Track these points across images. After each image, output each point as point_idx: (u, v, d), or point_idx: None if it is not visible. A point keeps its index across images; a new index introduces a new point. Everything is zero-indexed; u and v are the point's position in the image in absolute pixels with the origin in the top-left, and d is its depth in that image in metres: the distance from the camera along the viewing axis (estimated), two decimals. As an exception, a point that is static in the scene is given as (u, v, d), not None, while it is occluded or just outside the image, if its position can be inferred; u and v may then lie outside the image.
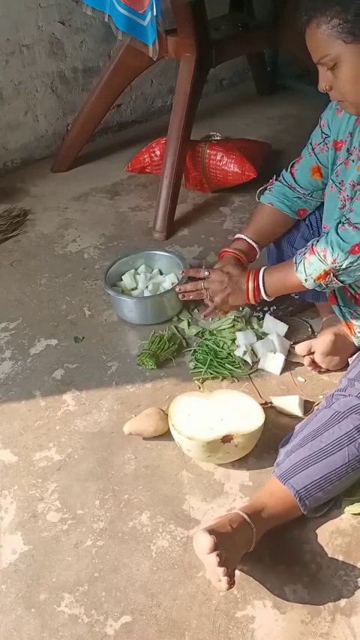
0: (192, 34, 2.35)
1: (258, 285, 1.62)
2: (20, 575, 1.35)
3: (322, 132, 1.61)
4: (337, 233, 1.44)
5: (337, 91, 1.38)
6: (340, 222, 1.46)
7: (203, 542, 1.20)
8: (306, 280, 1.51)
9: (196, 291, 1.76)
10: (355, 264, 1.43)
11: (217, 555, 1.18)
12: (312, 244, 1.50)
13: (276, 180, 1.78)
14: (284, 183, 1.75)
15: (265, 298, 1.64)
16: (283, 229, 1.81)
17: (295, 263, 1.53)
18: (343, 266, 1.44)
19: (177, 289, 1.81)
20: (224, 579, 1.18)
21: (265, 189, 1.80)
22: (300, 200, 1.74)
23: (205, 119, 3.04)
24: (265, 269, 1.64)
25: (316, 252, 1.47)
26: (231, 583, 1.20)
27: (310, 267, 1.49)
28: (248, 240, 1.78)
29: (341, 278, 1.48)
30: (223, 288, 1.68)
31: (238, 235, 1.81)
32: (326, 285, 1.50)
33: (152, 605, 1.27)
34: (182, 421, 1.51)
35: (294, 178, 1.73)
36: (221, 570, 1.18)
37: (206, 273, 1.73)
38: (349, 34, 1.28)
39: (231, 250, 1.77)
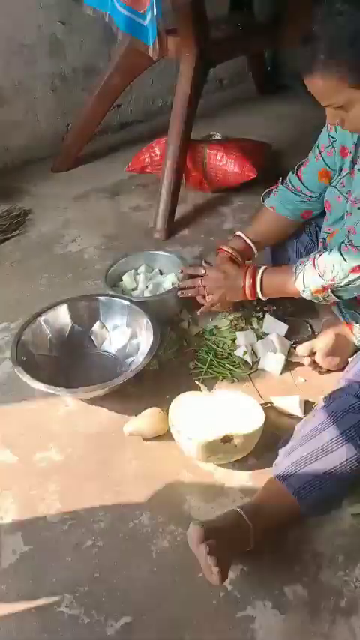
0: (192, 34, 2.35)
1: (255, 282, 1.64)
2: (20, 575, 1.34)
3: (330, 135, 1.61)
4: (340, 252, 1.46)
5: (350, 125, 1.39)
6: (343, 242, 1.48)
7: (193, 533, 1.21)
8: (304, 291, 1.54)
9: (194, 287, 1.77)
10: (354, 283, 1.46)
11: (207, 545, 1.19)
12: (314, 257, 1.51)
13: (282, 182, 1.79)
14: (290, 187, 1.76)
15: (261, 297, 1.65)
16: (285, 232, 1.83)
17: (295, 273, 1.54)
18: (342, 284, 1.47)
19: (176, 286, 1.82)
20: (215, 570, 1.18)
21: (271, 191, 1.81)
22: (304, 203, 1.75)
23: (205, 119, 3.03)
24: (264, 268, 1.65)
25: (316, 267, 1.49)
26: (223, 574, 1.19)
27: (309, 279, 1.51)
28: (246, 239, 1.80)
29: (339, 294, 1.51)
30: (220, 286, 1.70)
31: (237, 233, 1.84)
32: (323, 298, 1.52)
33: (152, 605, 1.27)
34: (182, 421, 1.51)
35: (301, 181, 1.73)
36: (212, 559, 1.18)
37: (203, 270, 1.74)
38: (356, 79, 1.27)
39: (227, 249, 1.80)
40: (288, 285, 1.57)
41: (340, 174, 1.60)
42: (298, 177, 1.74)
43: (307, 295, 1.54)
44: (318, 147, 1.66)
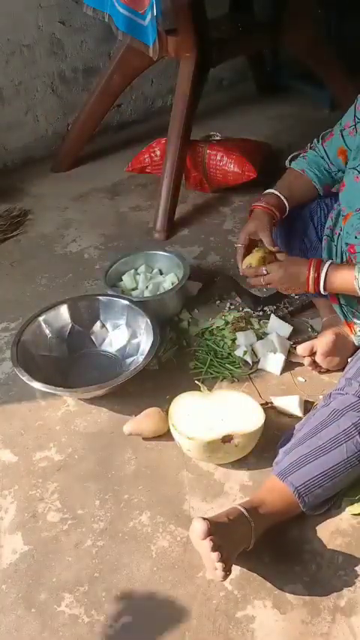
0: (192, 34, 2.35)
1: (319, 276, 1.56)
2: (20, 575, 1.35)
3: (356, 115, 1.58)
4: None
5: None
6: None
7: (197, 528, 1.21)
8: None
9: (256, 277, 1.66)
10: None
11: (211, 540, 1.19)
12: None
13: (310, 148, 1.75)
14: (318, 152, 1.73)
15: (322, 291, 1.58)
16: (308, 197, 1.76)
17: (357, 278, 1.49)
18: None
19: (241, 268, 1.69)
20: (219, 566, 1.18)
21: (298, 155, 1.77)
22: (329, 174, 1.72)
23: (205, 119, 3.04)
24: (330, 263, 1.57)
25: None
26: (226, 571, 1.20)
27: None
28: (279, 194, 1.71)
29: None
30: (283, 283, 1.61)
31: (268, 190, 1.74)
32: None
33: (152, 605, 1.27)
34: (182, 421, 1.51)
35: (325, 151, 1.71)
36: (215, 555, 1.18)
37: (264, 270, 1.63)
38: None
39: (262, 205, 1.70)
40: (351, 284, 1.51)
41: (358, 154, 1.57)
42: (323, 146, 1.71)
43: None
44: (341, 123, 1.64)
